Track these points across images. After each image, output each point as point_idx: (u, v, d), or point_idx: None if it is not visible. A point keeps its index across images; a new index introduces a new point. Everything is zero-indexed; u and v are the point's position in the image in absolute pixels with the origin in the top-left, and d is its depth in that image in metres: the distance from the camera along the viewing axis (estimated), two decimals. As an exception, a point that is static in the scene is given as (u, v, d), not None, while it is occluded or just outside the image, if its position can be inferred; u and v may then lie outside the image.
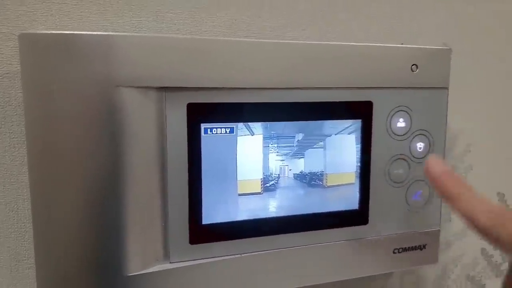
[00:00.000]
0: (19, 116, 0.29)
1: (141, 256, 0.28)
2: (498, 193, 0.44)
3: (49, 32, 0.26)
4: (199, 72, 0.28)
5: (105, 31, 0.30)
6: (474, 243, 0.43)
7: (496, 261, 0.44)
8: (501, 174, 0.43)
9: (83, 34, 0.26)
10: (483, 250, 0.44)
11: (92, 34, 0.26)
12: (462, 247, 0.43)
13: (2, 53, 0.28)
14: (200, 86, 0.28)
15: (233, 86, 0.29)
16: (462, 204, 0.24)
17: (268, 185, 0.32)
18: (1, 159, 0.29)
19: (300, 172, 0.32)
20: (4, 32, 0.28)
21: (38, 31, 0.26)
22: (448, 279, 0.43)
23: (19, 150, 0.30)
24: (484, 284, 0.44)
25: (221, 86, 0.29)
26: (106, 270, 0.28)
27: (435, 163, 0.26)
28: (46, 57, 0.26)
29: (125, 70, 0.26)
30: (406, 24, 0.38)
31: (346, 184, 0.34)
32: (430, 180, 0.26)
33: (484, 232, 0.22)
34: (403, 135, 0.34)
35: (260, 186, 0.31)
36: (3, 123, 0.29)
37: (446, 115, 0.35)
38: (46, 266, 0.27)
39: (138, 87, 0.27)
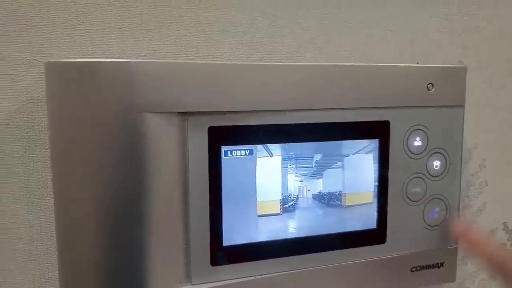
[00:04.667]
0: (42, 140, 0.30)
1: (164, 279, 0.29)
2: (514, 208, 0.44)
3: (73, 60, 0.26)
4: (219, 97, 0.29)
5: (125, 56, 0.31)
6: (490, 258, 0.43)
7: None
8: (516, 189, 0.43)
9: (106, 61, 0.26)
10: (499, 265, 0.44)
11: (115, 61, 0.26)
12: (479, 264, 0.43)
13: (26, 79, 0.29)
14: (220, 110, 0.29)
15: (252, 109, 0.30)
16: (482, 248, 0.31)
17: (287, 205, 0.32)
18: (25, 183, 0.30)
19: (319, 192, 0.33)
20: (29, 59, 0.29)
21: (63, 60, 0.26)
22: (465, 296, 0.43)
23: (42, 173, 0.30)
24: (501, 300, 0.44)
25: (240, 110, 0.29)
26: (130, 293, 0.28)
27: (461, 225, 0.34)
28: (71, 84, 0.26)
29: (147, 96, 0.27)
30: (421, 43, 0.39)
31: (364, 204, 0.34)
32: (458, 236, 0.35)
33: (499, 266, 0.29)
34: (420, 153, 0.35)
35: (279, 207, 0.32)
36: (27, 147, 0.30)
37: (462, 133, 0.36)
38: (71, 290, 0.28)
39: (160, 112, 0.27)
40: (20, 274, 0.30)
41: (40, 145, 0.30)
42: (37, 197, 0.30)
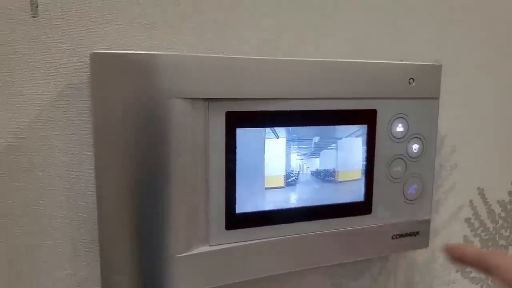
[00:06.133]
0: (80, 121, 0.34)
1: (186, 240, 0.34)
2: (478, 188, 0.50)
3: (115, 51, 0.31)
4: (235, 86, 0.34)
5: (152, 49, 0.35)
6: (458, 231, 0.50)
7: (476, 246, 0.51)
8: (482, 171, 0.50)
9: (143, 53, 0.31)
10: (465, 237, 0.51)
11: (150, 54, 0.31)
12: (448, 235, 0.50)
13: (67, 67, 0.33)
14: (236, 97, 0.34)
15: (262, 97, 0.35)
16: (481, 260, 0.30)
17: (289, 180, 0.37)
18: (63, 158, 0.34)
19: (316, 169, 0.38)
20: (69, 49, 0.33)
21: (106, 51, 0.31)
22: (436, 263, 0.50)
23: (79, 150, 0.34)
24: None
25: (253, 97, 0.34)
26: (156, 252, 0.33)
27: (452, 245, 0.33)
28: (111, 72, 0.31)
29: (176, 84, 0.32)
30: (405, 43, 0.44)
31: (353, 180, 0.39)
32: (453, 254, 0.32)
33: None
34: (401, 138, 0.41)
35: (283, 181, 0.37)
36: (66, 126, 0.34)
37: (437, 121, 0.42)
38: (108, 250, 0.32)
39: (186, 98, 0.32)
40: (59, 238, 0.35)
41: (78, 125, 0.34)
42: (74, 170, 0.35)
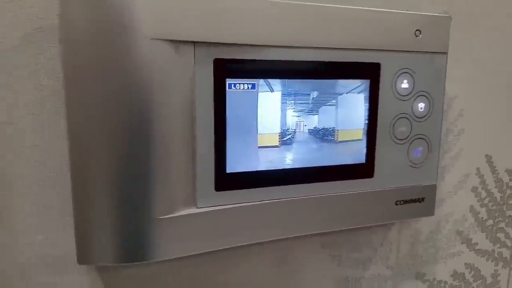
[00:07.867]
0: (51, 69, 0.31)
1: (170, 201, 0.31)
2: (486, 155, 0.47)
3: (87, -15, 0.27)
4: (226, 29, 0.30)
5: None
6: (464, 201, 0.47)
7: (482, 218, 0.48)
8: (490, 137, 0.47)
9: (119, -12, 0.27)
10: (471, 208, 0.48)
11: (127, -11, 0.27)
12: (453, 204, 0.47)
13: (33, 7, 0.30)
14: (226, 42, 0.30)
15: (256, 43, 0.31)
16: None
17: (285, 139, 0.34)
18: (34, 110, 0.31)
19: (314, 127, 0.35)
20: (37, -13, 0.29)
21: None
22: (440, 234, 0.47)
23: (50, 100, 0.31)
24: (471, 238, 0.48)
25: (245, 43, 0.31)
26: (138, 213, 0.30)
27: None
28: (85, 10, 0.27)
29: (157, 24, 0.28)
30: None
31: (354, 140, 0.36)
32: None
33: None
34: (407, 95, 0.37)
35: (278, 140, 0.34)
36: (33, 75, 0.30)
37: (445, 78, 0.38)
38: (84, 210, 0.29)
39: (169, 40, 0.29)
40: (29, 200, 0.31)
41: (47, 73, 0.31)
42: (44, 123, 0.31)
